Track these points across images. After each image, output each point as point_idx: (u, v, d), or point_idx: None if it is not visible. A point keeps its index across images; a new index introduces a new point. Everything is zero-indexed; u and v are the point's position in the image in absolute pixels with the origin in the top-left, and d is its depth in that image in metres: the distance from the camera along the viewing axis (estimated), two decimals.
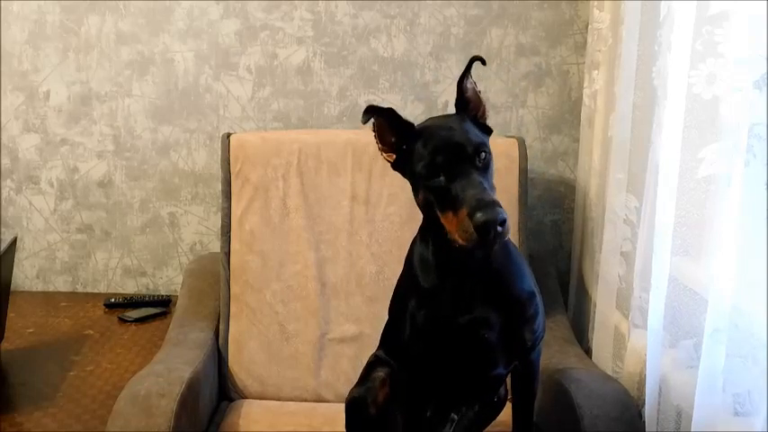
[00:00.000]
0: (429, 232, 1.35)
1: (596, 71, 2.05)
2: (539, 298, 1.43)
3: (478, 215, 1.12)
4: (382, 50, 2.33)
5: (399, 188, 1.99)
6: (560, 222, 2.42)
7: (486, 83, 2.33)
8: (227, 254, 2.02)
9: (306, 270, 2.01)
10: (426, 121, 1.34)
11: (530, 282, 1.42)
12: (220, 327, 2.01)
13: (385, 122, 1.31)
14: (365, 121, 1.29)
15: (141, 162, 2.44)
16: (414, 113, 2.31)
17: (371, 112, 1.30)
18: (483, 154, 1.23)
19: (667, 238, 1.48)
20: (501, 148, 2.05)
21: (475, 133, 1.27)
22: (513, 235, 1.93)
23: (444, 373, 1.41)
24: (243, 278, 2.01)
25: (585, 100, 2.18)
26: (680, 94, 1.41)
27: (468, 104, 1.35)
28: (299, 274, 2.01)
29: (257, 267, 2.01)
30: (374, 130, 1.33)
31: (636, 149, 1.75)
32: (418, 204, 1.30)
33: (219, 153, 2.17)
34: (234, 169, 2.04)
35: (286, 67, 2.36)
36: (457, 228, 1.16)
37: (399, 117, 1.31)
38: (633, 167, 1.76)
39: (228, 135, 2.07)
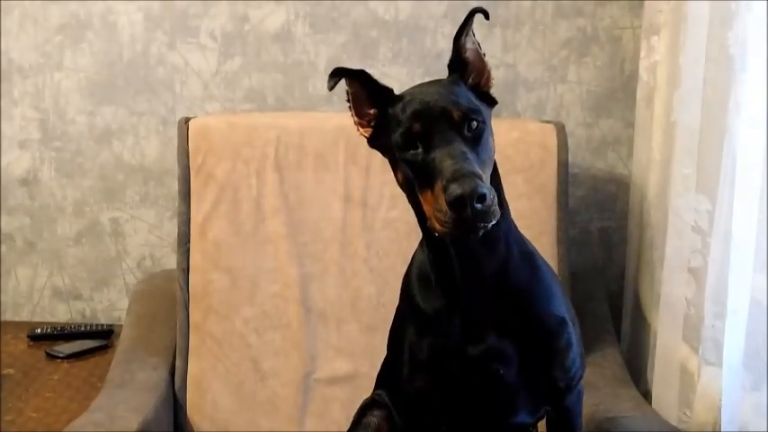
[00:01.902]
0: (424, 234, 1.37)
1: (656, 37, 2.05)
2: (572, 326, 1.44)
3: (452, 186, 1.14)
4: (383, 11, 2.32)
5: None
6: (611, 230, 2.40)
7: (515, 53, 2.34)
8: (186, 271, 2.03)
9: (286, 291, 2.01)
10: (413, 86, 1.36)
11: (560, 305, 1.43)
12: (177, 364, 2.01)
13: (359, 89, 1.34)
14: (332, 87, 1.32)
15: (75, 154, 2.43)
16: None
17: (340, 74, 1.32)
18: (474, 123, 1.25)
19: (748, 251, 1.49)
20: (534, 136, 2.06)
21: (467, 98, 1.29)
22: (548, 247, 1.98)
23: (452, 420, 1.42)
24: (206, 302, 2.02)
25: (643, 74, 2.18)
26: (763, 65, 1.42)
27: (467, 67, 1.36)
28: (278, 297, 2.02)
29: (224, 288, 2.01)
30: (348, 101, 1.36)
31: (707, 137, 1.75)
32: (401, 188, 1.32)
33: (176, 142, 2.17)
34: (194, 163, 2.04)
35: (260, 33, 2.35)
36: (433, 207, 1.19)
37: (375, 81, 1.35)
38: (704, 160, 1.76)
39: (187, 120, 2.08)
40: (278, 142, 2.04)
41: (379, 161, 2.01)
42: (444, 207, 1.15)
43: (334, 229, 2.03)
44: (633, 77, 2.29)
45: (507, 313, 1.36)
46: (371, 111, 1.35)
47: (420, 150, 1.22)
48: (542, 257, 1.45)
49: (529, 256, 1.40)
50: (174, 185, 2.18)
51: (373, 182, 2.04)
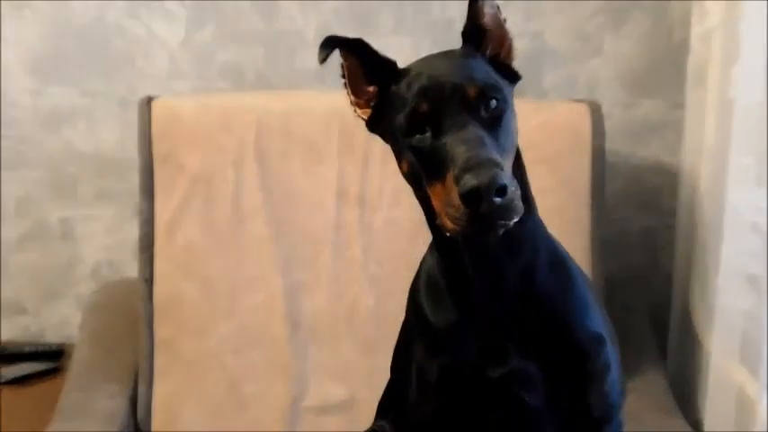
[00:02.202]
0: (433, 234, 1.36)
1: (710, 0, 2.06)
2: (610, 344, 1.43)
3: (466, 177, 1.12)
4: None
5: None
6: (655, 231, 2.41)
7: (540, 20, 2.33)
8: (150, 280, 2.05)
9: (270, 303, 2.03)
10: (420, 59, 1.35)
11: (596, 318, 1.42)
12: (139, 390, 2.01)
13: (356, 63, 1.32)
14: (323, 59, 1.31)
15: (18, 141, 2.43)
16: None
17: (333, 44, 1.30)
18: (493, 101, 1.23)
19: None
20: (564, 119, 2.08)
21: (484, 72, 1.27)
22: (580, 251, 1.98)
23: None
24: (175, 316, 2.03)
25: (694, 44, 2.18)
26: None
27: (484, 36, 1.36)
28: (261, 310, 2.03)
29: (196, 300, 2.03)
30: (343, 76, 1.34)
31: None
32: (406, 179, 1.32)
33: (137, 128, 2.18)
34: (159, 151, 2.05)
35: None
36: (445, 202, 1.17)
37: (375, 53, 1.32)
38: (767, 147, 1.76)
39: (150, 100, 2.09)
40: (259, 127, 2.05)
41: (379, 150, 2.03)
42: (457, 201, 1.13)
43: (326, 229, 2.04)
44: (682, 48, 2.28)
45: (533, 328, 1.34)
46: (371, 88, 1.33)
47: (428, 135, 1.21)
48: (576, 263, 1.45)
49: (560, 260, 1.39)
50: (136, 179, 2.18)
51: (372, 174, 2.05)
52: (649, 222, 2.41)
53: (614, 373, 1.42)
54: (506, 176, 1.14)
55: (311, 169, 2.05)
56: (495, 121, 1.23)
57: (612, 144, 2.30)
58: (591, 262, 2.01)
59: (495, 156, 1.16)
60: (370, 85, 1.33)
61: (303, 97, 2.17)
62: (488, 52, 1.33)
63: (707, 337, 2.00)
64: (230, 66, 2.39)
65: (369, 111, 1.34)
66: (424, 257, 1.47)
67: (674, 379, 2.15)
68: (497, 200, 1.12)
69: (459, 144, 1.17)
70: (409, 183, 1.31)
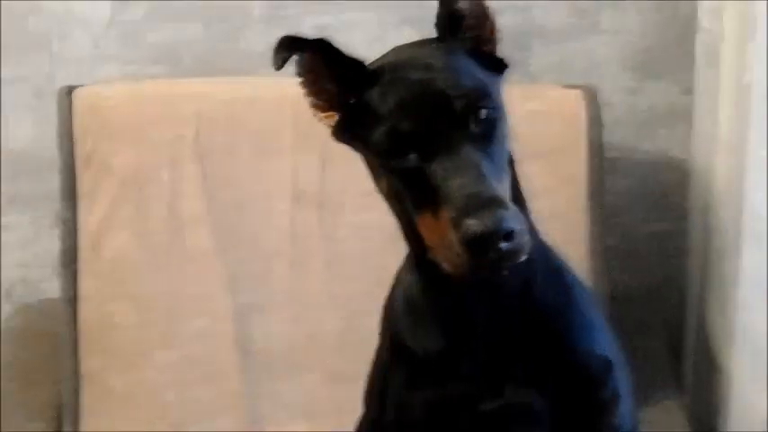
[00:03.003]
0: (414, 253, 1.36)
1: None
2: (620, 369, 1.45)
3: (468, 223, 1.12)
4: None
5: None
6: (666, 237, 2.42)
7: None
8: (74, 301, 2.03)
9: (216, 328, 2.02)
10: (389, 53, 1.34)
11: (603, 340, 1.44)
12: (64, 429, 2.00)
13: (318, 62, 1.31)
14: (279, 66, 1.29)
15: None
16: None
17: (290, 47, 1.30)
18: (483, 111, 1.23)
19: None
20: (556, 107, 2.08)
21: (469, 73, 1.27)
22: (579, 261, 1.93)
23: None
24: (103, 344, 2.01)
25: (704, 20, 2.19)
26: None
27: (461, 23, 1.36)
28: (205, 336, 2.01)
29: (129, 324, 2.01)
30: (300, 76, 1.33)
31: None
32: (384, 198, 1.32)
33: (56, 121, 2.17)
34: (82, 150, 2.04)
35: None
36: (440, 241, 1.17)
37: (340, 53, 1.31)
38: None
39: (71, 89, 2.08)
40: (199, 120, 2.05)
41: (341, 144, 2.02)
42: (457, 247, 1.13)
43: (280, 240, 2.04)
44: (691, 26, 2.29)
45: (532, 354, 1.35)
46: (334, 88, 1.33)
47: (413, 157, 1.20)
48: (576, 274, 1.46)
49: (558, 272, 1.40)
50: (55, 182, 2.17)
51: (333, 173, 2.04)
52: (658, 227, 2.43)
53: (626, 402, 1.43)
54: (512, 216, 1.14)
55: (262, 168, 2.04)
56: (488, 133, 1.23)
57: (614, 136, 2.31)
58: (591, 274, 2.01)
59: (497, 190, 1.17)
60: (334, 86, 1.33)
61: (250, 84, 2.15)
62: (467, 40, 1.33)
63: (727, 358, 2.01)
64: (164, 48, 2.38)
65: (333, 115, 1.34)
66: (398, 273, 1.47)
67: (693, 408, 2.17)
68: (505, 245, 1.12)
69: (454, 175, 1.17)
70: (386, 201, 1.31)
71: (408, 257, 1.43)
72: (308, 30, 2.29)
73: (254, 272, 2.03)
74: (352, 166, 1.99)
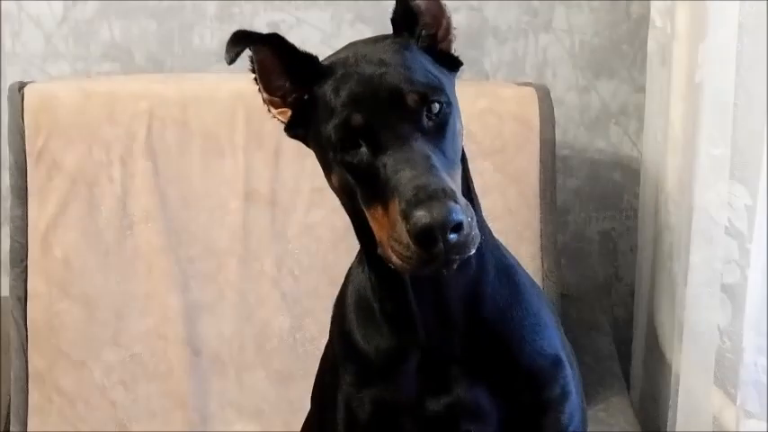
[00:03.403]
0: (365, 249, 1.36)
1: None
2: (569, 367, 1.44)
3: (417, 214, 1.12)
4: None
5: None
6: (616, 235, 2.42)
7: None
8: (23, 300, 2.02)
9: (165, 327, 2.01)
10: (344, 49, 1.34)
11: (553, 338, 1.43)
12: (12, 430, 1.99)
13: (270, 57, 1.32)
14: (232, 60, 1.29)
15: None
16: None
17: (241, 41, 1.30)
18: (435, 105, 1.24)
19: None
20: (508, 106, 2.07)
21: (423, 69, 1.28)
22: (529, 260, 2.00)
23: None
24: (51, 343, 2.00)
25: (656, 18, 2.20)
26: None
27: (417, 20, 1.35)
28: (153, 335, 2.01)
29: (77, 323, 2.00)
30: (253, 72, 1.33)
31: (746, 105, 1.76)
32: (335, 193, 1.32)
33: (6, 119, 2.15)
34: (32, 147, 2.02)
35: None
36: (388, 235, 1.17)
37: (293, 48, 1.32)
38: (741, 137, 1.77)
39: (22, 86, 2.06)
40: (150, 118, 2.03)
41: (293, 143, 2.00)
42: (406, 239, 1.13)
43: (230, 238, 2.02)
44: (643, 23, 2.31)
45: (481, 351, 1.35)
46: (286, 84, 1.33)
47: (364, 150, 1.21)
48: (526, 272, 1.45)
49: (508, 272, 1.39)
50: (5, 180, 2.15)
51: (285, 172, 2.03)
52: (609, 225, 2.43)
53: (575, 401, 1.43)
54: (461, 208, 1.14)
55: (213, 166, 2.03)
56: (440, 128, 1.24)
57: (565, 135, 2.33)
58: (542, 272, 2.02)
59: (447, 182, 1.16)
60: (286, 80, 1.33)
61: (202, 82, 2.15)
62: (423, 37, 1.33)
63: (676, 356, 2.01)
64: (116, 45, 2.37)
65: (286, 111, 1.34)
66: (350, 270, 1.46)
67: (641, 406, 2.17)
68: (453, 237, 1.12)
69: (404, 167, 1.17)
70: (338, 197, 1.30)
71: (359, 254, 1.42)
72: (262, 27, 2.30)
73: (203, 270, 2.02)
74: (303, 165, 2.01)
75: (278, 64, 1.32)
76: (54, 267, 2.01)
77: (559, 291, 2.06)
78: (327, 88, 1.26)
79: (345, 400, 1.40)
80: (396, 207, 1.15)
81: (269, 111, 1.35)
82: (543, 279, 2.01)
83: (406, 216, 1.12)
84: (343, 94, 1.24)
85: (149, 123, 2.03)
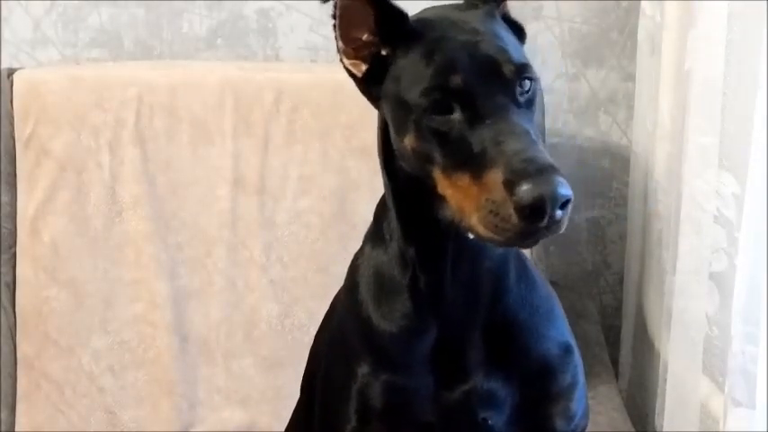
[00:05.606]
0: (390, 226, 1.35)
1: None
2: (577, 356, 1.44)
3: (525, 188, 1.08)
4: None
5: (321, 163, 2.00)
6: (604, 223, 2.42)
7: None
8: (11, 286, 2.01)
9: (153, 313, 2.00)
10: (427, 10, 1.31)
11: (564, 327, 1.44)
12: (1, 416, 1.99)
13: (358, 4, 1.27)
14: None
15: None
16: None
17: None
18: (526, 81, 1.22)
19: None
20: None
21: (513, 42, 1.27)
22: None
23: None
24: (40, 329, 2.00)
25: (646, 8, 2.19)
26: None
27: None
28: (141, 321, 2.00)
29: (65, 309, 2.00)
30: (334, 17, 1.28)
31: (734, 93, 1.76)
32: (398, 156, 1.29)
33: None
34: (21, 133, 2.02)
35: None
36: (477, 204, 1.14)
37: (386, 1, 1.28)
38: (730, 126, 1.77)
39: (11, 72, 2.06)
40: (139, 104, 2.03)
41: (282, 130, 2.01)
42: (508, 210, 1.10)
43: (219, 225, 2.02)
44: (633, 11, 2.31)
45: (499, 339, 1.35)
46: (365, 36, 1.29)
47: (457, 117, 1.18)
48: (534, 265, 1.45)
49: (521, 258, 1.40)
50: None
51: (274, 159, 2.03)
52: (597, 213, 2.43)
53: (581, 390, 1.44)
54: (569, 186, 1.11)
55: (201, 153, 2.03)
56: (530, 104, 1.22)
57: (555, 122, 2.33)
58: (530, 260, 2.00)
59: (551, 158, 1.13)
60: (368, 33, 1.29)
61: (191, 69, 2.15)
62: (497, 8, 1.32)
63: (664, 344, 2.02)
64: (105, 31, 2.36)
65: (359, 64, 1.30)
66: (361, 251, 1.44)
67: (628, 394, 2.16)
68: (559, 213, 1.10)
69: (506, 138, 1.13)
70: (405, 160, 1.27)
71: (371, 242, 1.42)
72: (251, 14, 2.29)
73: (192, 257, 2.02)
74: (292, 152, 2.00)
75: (365, 14, 1.28)
76: (42, 253, 2.01)
77: (548, 278, 2.05)
78: (418, 50, 1.23)
79: (360, 389, 1.38)
80: (496, 177, 1.11)
81: (341, 61, 1.31)
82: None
83: (513, 188, 1.09)
84: (438, 57, 1.21)
85: (138, 110, 2.03)
